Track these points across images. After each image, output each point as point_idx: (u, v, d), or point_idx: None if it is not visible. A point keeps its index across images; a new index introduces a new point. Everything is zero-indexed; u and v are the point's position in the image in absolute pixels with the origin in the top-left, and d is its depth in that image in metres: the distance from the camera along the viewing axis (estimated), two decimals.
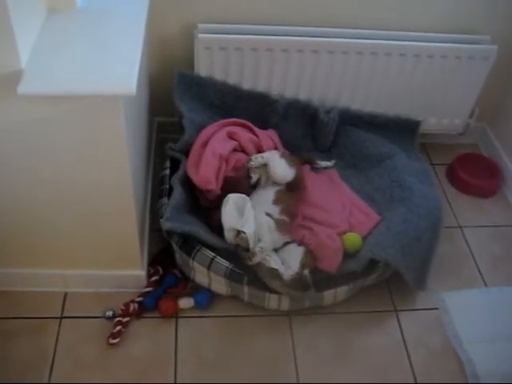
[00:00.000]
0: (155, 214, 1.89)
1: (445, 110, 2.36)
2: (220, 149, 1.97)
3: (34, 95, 1.30)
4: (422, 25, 2.16)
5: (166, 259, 1.92)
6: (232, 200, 1.81)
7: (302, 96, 2.22)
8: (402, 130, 2.30)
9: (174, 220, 1.76)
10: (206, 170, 1.91)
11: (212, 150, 1.96)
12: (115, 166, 1.52)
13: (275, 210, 1.87)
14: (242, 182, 1.96)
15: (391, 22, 2.14)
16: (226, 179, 1.95)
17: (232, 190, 1.87)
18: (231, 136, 2.06)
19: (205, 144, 2.00)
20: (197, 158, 1.97)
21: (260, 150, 2.08)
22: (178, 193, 1.86)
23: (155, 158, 2.24)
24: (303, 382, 1.73)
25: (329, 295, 1.83)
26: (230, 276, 1.75)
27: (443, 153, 2.55)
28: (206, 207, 1.95)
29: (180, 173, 1.94)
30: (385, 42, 2.11)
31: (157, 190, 1.96)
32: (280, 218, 1.86)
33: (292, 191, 1.96)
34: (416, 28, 2.15)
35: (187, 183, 1.94)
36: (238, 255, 1.78)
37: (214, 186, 1.90)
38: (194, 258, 1.77)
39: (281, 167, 1.97)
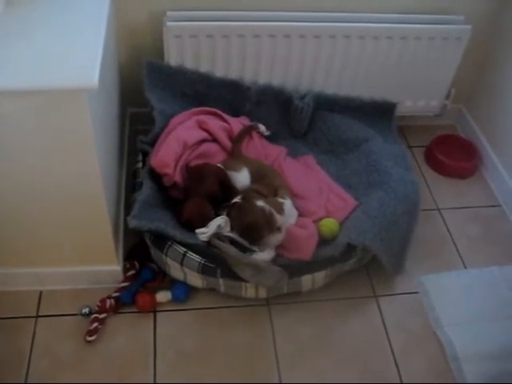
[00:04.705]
0: (130, 208, 1.86)
1: (421, 91, 2.34)
2: (185, 135, 1.93)
3: None
4: (395, 6, 2.13)
5: (142, 253, 1.89)
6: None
7: (276, 82, 2.19)
8: (379, 112, 2.28)
9: (141, 217, 1.73)
10: (165, 153, 1.87)
11: (176, 136, 1.92)
12: (83, 161, 1.49)
13: None
14: (206, 172, 1.88)
15: (363, 4, 2.11)
16: (189, 169, 1.90)
17: (197, 181, 1.83)
18: (201, 125, 2.02)
19: (171, 132, 1.96)
20: (160, 145, 1.93)
21: (232, 137, 2.04)
22: (148, 187, 1.82)
23: (129, 150, 2.20)
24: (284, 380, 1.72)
25: (307, 281, 1.82)
26: (203, 270, 1.73)
27: (421, 135, 2.54)
28: (176, 198, 1.90)
29: (149, 166, 1.89)
30: (358, 25, 2.08)
31: (130, 184, 1.92)
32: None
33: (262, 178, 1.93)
34: (388, 9, 2.12)
35: (158, 175, 1.89)
36: (209, 249, 1.76)
37: (171, 170, 1.84)
38: (166, 254, 1.75)
39: (238, 181, 1.91)
